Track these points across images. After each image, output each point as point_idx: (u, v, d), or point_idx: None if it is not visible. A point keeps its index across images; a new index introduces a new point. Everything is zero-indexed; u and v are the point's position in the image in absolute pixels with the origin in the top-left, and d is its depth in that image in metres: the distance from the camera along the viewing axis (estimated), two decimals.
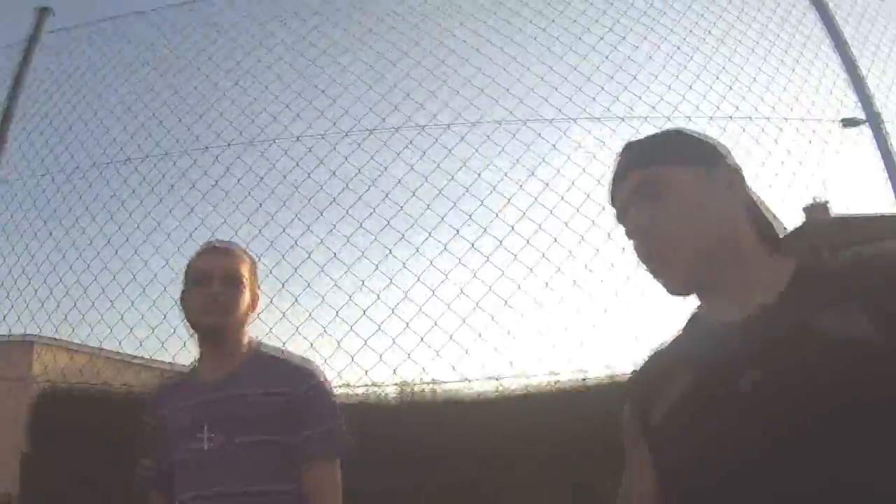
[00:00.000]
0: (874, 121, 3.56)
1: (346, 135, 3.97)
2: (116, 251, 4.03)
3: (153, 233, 4.04)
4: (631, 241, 1.06)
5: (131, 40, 4.23)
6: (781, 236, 1.07)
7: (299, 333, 3.60)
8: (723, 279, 0.98)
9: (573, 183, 3.63)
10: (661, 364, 1.07)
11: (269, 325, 3.46)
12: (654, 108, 3.77)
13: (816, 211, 11.60)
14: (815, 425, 0.80)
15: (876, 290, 0.86)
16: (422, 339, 3.49)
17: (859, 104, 3.63)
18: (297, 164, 3.90)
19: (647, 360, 1.13)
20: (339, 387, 3.65)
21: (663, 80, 3.77)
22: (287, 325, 3.59)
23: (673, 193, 1.01)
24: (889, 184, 3.51)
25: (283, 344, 3.36)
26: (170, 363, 4.07)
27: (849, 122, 3.63)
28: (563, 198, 3.63)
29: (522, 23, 4.05)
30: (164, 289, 3.83)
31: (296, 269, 3.76)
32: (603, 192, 1.18)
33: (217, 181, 4.01)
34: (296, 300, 3.65)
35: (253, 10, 4.46)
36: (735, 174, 1.05)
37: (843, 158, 3.63)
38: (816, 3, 3.80)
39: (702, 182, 1.02)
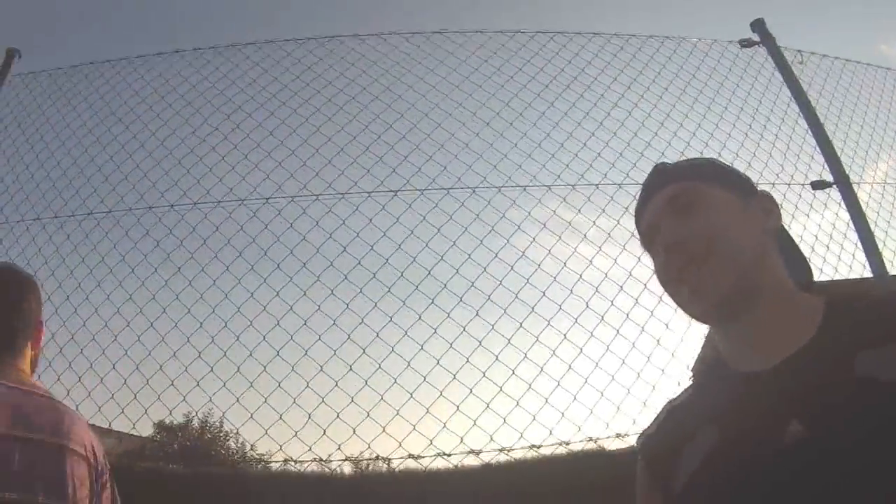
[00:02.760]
0: (842, 183, 3.59)
1: (317, 198, 3.85)
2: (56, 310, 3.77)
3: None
4: (659, 261, 0.99)
5: (97, 89, 4.14)
6: (811, 276, 1.02)
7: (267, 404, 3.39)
8: (752, 311, 0.91)
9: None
10: (680, 421, 0.98)
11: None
12: (627, 174, 3.76)
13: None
14: (875, 479, 0.71)
15: None
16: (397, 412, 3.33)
17: (827, 167, 3.67)
18: (239, 226, 3.76)
19: (661, 415, 1.04)
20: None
21: (635, 147, 3.76)
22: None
23: (711, 208, 0.96)
24: (859, 245, 3.51)
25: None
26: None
27: (818, 185, 3.66)
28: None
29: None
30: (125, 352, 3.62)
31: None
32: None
33: (158, 242, 3.84)
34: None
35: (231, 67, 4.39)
36: (769, 200, 1.01)
37: (812, 221, 3.64)
38: (783, 69, 3.89)
39: (738, 206, 0.98)
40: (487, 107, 3.88)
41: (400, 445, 3.50)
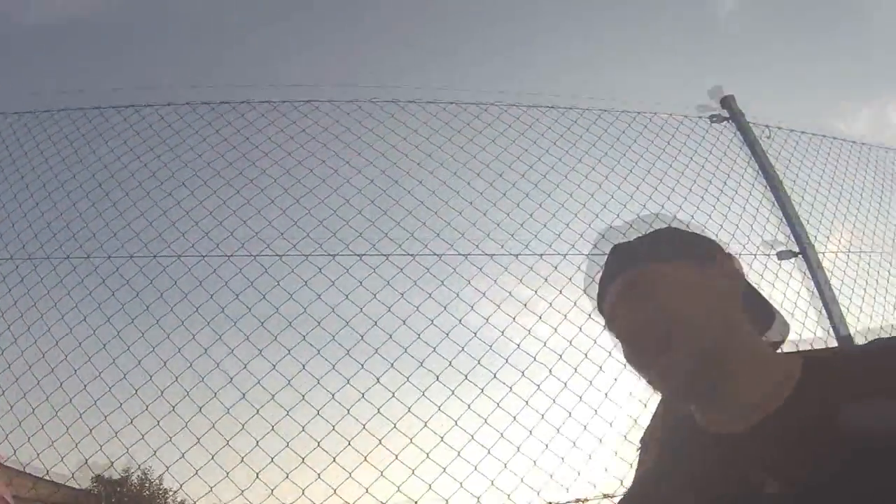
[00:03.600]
0: (807, 252, 3.66)
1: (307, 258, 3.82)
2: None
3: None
4: (622, 347, 0.97)
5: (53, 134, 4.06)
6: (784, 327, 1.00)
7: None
8: (724, 381, 0.88)
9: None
10: (654, 485, 0.95)
11: None
12: (596, 245, 3.77)
13: None
14: None
15: None
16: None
17: (791, 237, 3.74)
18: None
19: (635, 483, 1.01)
20: None
21: (603, 217, 3.78)
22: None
23: (665, 290, 0.93)
24: (824, 311, 3.57)
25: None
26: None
27: (784, 255, 3.73)
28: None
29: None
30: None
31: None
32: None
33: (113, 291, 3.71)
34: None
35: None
36: (730, 262, 0.98)
37: (778, 290, 3.69)
38: (750, 143, 4.00)
39: (696, 277, 0.95)
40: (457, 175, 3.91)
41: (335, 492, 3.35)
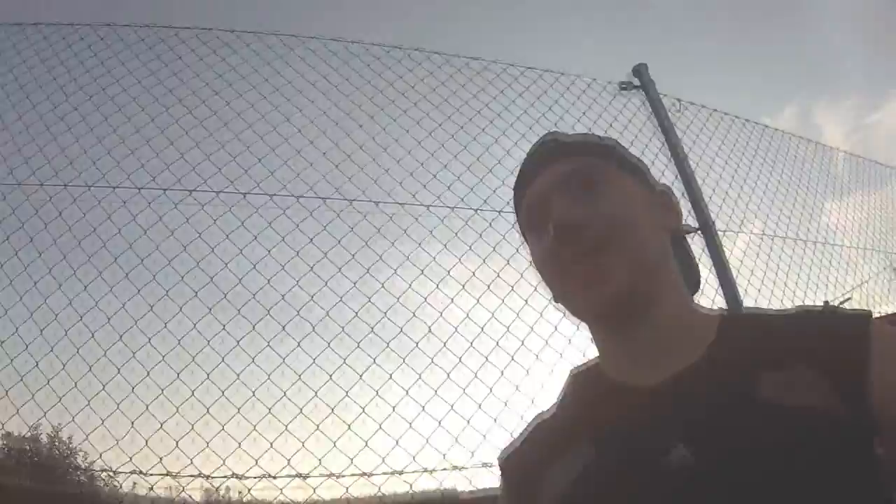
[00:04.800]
0: (707, 229, 3.63)
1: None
2: None
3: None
4: (544, 247, 0.85)
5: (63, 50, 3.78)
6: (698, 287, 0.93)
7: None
8: (645, 316, 0.81)
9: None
10: (549, 436, 0.87)
11: None
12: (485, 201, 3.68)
13: None
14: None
15: (834, 353, 0.72)
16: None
17: (692, 213, 3.71)
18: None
19: (527, 430, 0.92)
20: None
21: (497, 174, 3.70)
22: None
23: (616, 191, 0.85)
24: (720, 290, 3.55)
25: None
26: None
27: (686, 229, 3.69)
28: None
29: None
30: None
31: None
32: None
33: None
34: None
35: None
36: (673, 199, 0.93)
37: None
38: (658, 114, 3.95)
39: (642, 195, 0.88)
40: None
41: (256, 463, 3.29)
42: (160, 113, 3.71)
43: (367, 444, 3.31)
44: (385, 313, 3.50)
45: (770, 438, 0.68)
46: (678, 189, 3.77)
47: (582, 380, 0.90)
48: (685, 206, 3.74)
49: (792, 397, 0.70)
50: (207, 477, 3.42)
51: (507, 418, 3.24)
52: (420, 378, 3.45)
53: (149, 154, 3.61)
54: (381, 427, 3.35)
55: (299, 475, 3.45)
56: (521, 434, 0.93)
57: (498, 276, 3.46)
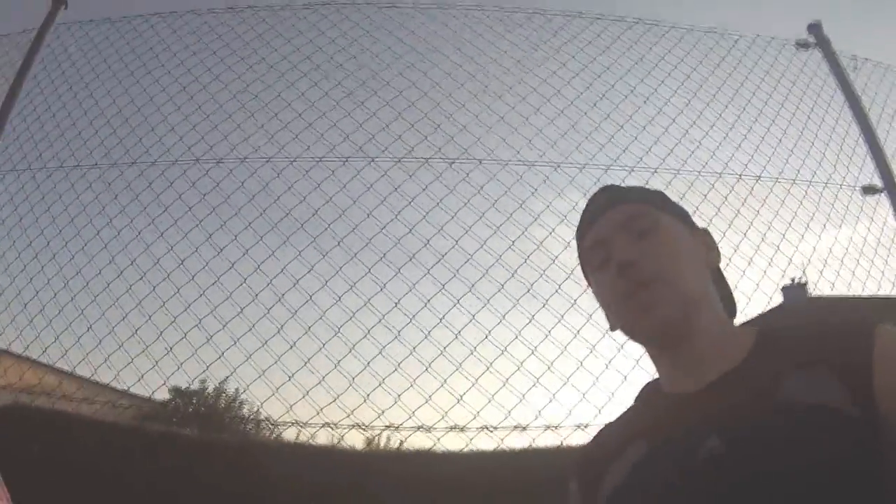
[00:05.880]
0: (893, 188, 3.56)
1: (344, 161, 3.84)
2: (100, 271, 3.77)
3: (139, 249, 3.79)
4: (607, 279, 1.00)
5: (145, 41, 4.09)
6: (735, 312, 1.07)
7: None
8: (690, 336, 0.95)
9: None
10: (612, 438, 1.02)
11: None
12: (663, 160, 3.73)
13: (793, 291, 11.66)
14: (776, 496, 0.75)
15: (843, 355, 0.82)
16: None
17: (877, 171, 3.64)
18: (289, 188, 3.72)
19: (596, 435, 1.08)
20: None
21: (692, 136, 3.72)
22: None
23: (665, 234, 0.99)
24: None
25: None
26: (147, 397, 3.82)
27: (869, 190, 3.64)
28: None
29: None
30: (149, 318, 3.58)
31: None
32: None
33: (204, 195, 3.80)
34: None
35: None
36: (711, 238, 1.06)
37: (862, 225, 3.62)
38: (837, 73, 3.87)
39: (684, 233, 1.02)
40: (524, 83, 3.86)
41: (412, 416, 3.39)
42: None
43: (523, 398, 3.44)
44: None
45: (787, 432, 0.77)
46: (862, 149, 3.72)
47: (643, 393, 1.06)
48: (870, 165, 3.69)
49: (809, 395, 0.79)
50: (364, 427, 3.63)
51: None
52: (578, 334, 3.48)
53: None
54: (538, 381, 3.43)
55: (457, 426, 3.61)
56: (591, 439, 1.08)
57: None
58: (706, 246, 1.04)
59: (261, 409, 3.72)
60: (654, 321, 0.95)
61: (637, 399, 1.06)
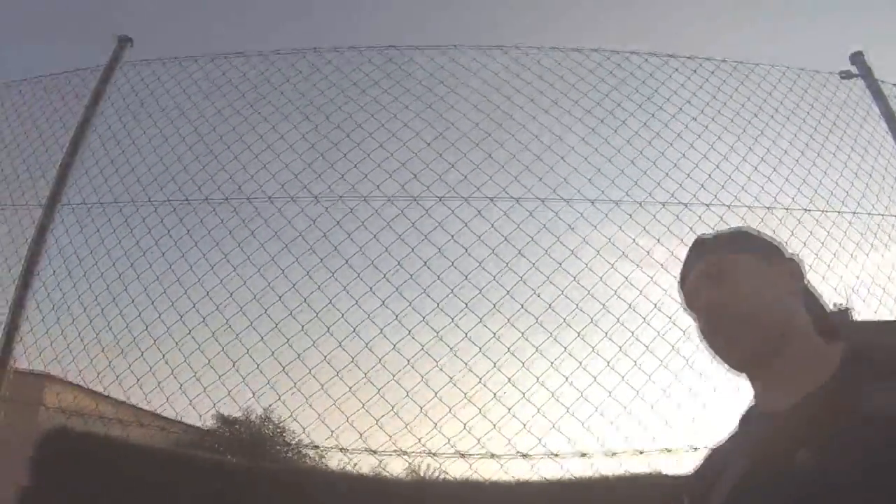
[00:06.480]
0: None
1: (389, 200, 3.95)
2: (153, 301, 3.93)
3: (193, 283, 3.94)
4: (698, 322, 1.13)
5: (211, 80, 4.28)
6: (840, 328, 1.12)
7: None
8: (778, 360, 1.03)
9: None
10: (717, 459, 1.10)
11: None
12: (715, 195, 3.75)
13: (837, 317, 11.40)
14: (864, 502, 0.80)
15: None
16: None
17: None
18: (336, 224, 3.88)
19: (704, 457, 1.16)
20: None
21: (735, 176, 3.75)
22: None
23: (737, 276, 1.09)
24: None
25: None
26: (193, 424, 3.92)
27: None
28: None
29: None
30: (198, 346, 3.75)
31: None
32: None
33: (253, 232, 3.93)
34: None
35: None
36: (795, 265, 1.13)
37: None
38: (880, 101, 3.88)
39: (762, 268, 1.10)
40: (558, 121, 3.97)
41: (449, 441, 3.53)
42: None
43: (554, 426, 3.49)
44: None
45: (869, 442, 0.82)
46: None
47: (744, 415, 1.12)
48: None
49: (889, 409, 0.84)
50: (404, 453, 3.68)
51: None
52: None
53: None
54: (568, 410, 3.52)
55: (491, 455, 3.64)
56: (699, 460, 1.17)
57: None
58: (789, 274, 1.12)
59: (306, 434, 3.79)
60: (734, 359, 1.07)
61: (740, 421, 1.13)
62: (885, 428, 0.82)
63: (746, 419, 1.11)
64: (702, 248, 1.18)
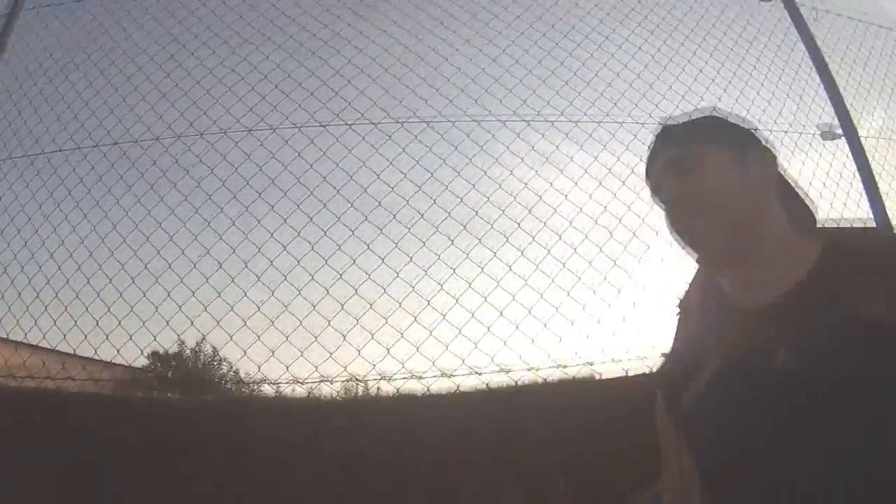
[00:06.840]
0: (851, 134, 3.70)
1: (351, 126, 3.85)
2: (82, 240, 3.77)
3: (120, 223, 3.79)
4: (665, 215, 1.08)
5: (117, 20, 4.06)
6: (817, 219, 1.10)
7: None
8: (751, 255, 0.99)
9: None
10: (689, 353, 1.06)
11: None
12: (628, 114, 3.81)
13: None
14: (842, 404, 0.81)
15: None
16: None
17: (836, 118, 3.78)
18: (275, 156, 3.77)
19: (673, 349, 1.13)
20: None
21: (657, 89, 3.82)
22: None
23: (704, 168, 1.03)
24: (866, 196, 3.63)
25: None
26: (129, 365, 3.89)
27: (827, 135, 3.77)
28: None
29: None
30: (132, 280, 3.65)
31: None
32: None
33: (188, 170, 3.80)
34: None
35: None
36: (768, 154, 1.07)
37: (821, 169, 3.76)
38: (798, 24, 3.98)
39: (733, 160, 1.04)
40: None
41: (403, 366, 3.58)
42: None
43: (505, 343, 3.56)
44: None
45: (848, 344, 0.83)
46: (822, 97, 3.85)
47: (710, 292, 1.09)
48: (829, 112, 3.83)
49: (870, 310, 0.84)
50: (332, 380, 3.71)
51: None
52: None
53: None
54: (517, 327, 3.54)
55: (444, 374, 3.73)
56: (669, 353, 1.15)
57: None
58: (761, 164, 1.05)
59: (234, 368, 3.78)
60: (704, 255, 1.03)
61: (710, 310, 1.08)
62: (863, 331, 0.82)
63: (712, 305, 1.07)
64: (667, 137, 1.12)
